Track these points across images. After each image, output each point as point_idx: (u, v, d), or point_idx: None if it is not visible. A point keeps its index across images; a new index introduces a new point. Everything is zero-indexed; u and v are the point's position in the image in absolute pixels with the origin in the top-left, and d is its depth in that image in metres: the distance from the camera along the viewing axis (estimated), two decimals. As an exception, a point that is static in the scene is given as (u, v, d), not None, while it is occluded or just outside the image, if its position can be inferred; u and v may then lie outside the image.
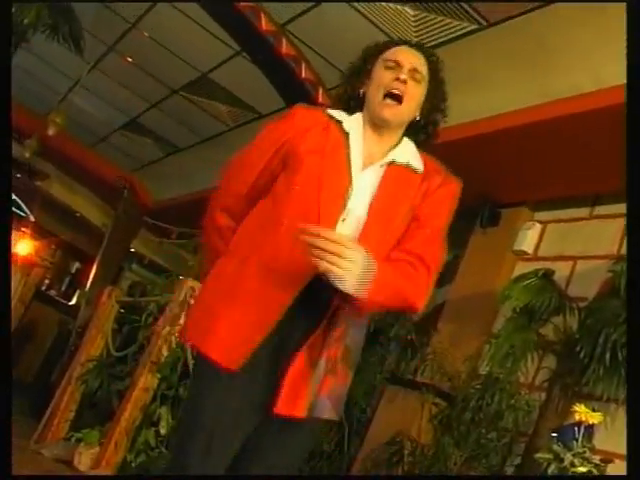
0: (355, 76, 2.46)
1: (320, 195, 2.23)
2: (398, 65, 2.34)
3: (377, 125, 2.36)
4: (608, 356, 3.94)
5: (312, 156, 2.28)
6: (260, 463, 2.22)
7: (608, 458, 3.56)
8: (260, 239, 2.23)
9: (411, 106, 2.36)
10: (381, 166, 2.31)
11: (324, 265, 1.97)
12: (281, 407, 2.09)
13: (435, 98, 2.42)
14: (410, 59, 2.37)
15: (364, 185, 2.29)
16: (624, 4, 3.26)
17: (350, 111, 2.40)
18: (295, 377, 2.11)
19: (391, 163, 2.31)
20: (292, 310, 2.14)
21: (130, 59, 7.48)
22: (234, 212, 2.38)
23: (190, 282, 4.81)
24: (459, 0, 4.57)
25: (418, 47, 2.46)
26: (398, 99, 2.30)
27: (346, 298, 2.08)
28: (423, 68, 2.38)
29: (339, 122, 2.35)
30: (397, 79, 2.31)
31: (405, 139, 2.40)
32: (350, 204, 2.24)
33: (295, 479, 1.93)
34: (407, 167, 2.33)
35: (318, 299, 2.15)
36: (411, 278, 2.20)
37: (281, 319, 2.13)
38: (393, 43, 2.47)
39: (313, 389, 2.14)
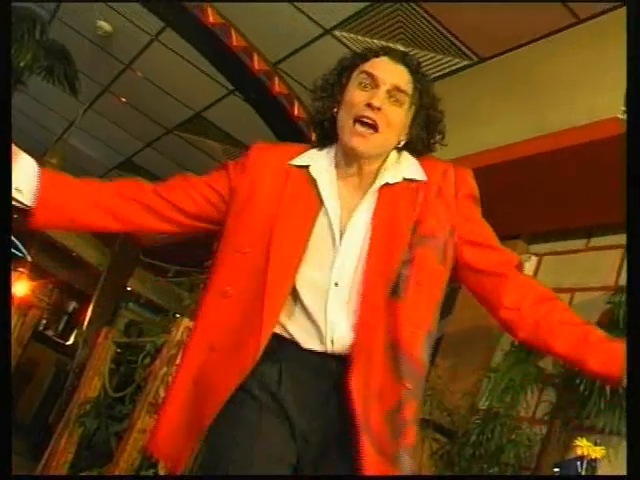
0: (327, 93, 2.04)
1: (295, 257, 1.89)
2: (375, 83, 1.93)
3: (351, 159, 1.96)
4: (608, 388, 3.92)
5: (265, 212, 1.94)
6: None
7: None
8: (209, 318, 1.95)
9: (389, 134, 1.94)
10: (372, 193, 1.95)
11: None
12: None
13: (425, 120, 2.02)
14: (390, 75, 1.94)
15: (361, 219, 1.93)
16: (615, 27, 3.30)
17: (327, 138, 2.04)
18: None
19: (383, 187, 1.95)
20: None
21: (124, 99, 7.53)
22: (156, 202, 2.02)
23: (186, 321, 4.79)
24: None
25: (402, 58, 2.01)
26: (372, 127, 1.90)
27: None
28: (408, 86, 1.96)
29: (303, 168, 1.99)
30: (369, 105, 1.90)
31: (400, 153, 2.02)
32: (338, 264, 1.89)
33: (296, 479, 1.88)
34: (403, 183, 1.97)
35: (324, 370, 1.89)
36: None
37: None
38: (372, 52, 2.02)
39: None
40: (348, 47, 5.16)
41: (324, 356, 1.87)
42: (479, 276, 2.01)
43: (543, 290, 2.06)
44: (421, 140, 2.02)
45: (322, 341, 1.87)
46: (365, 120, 1.89)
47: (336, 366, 1.86)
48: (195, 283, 6.77)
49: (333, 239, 1.90)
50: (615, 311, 4.14)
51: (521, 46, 4.48)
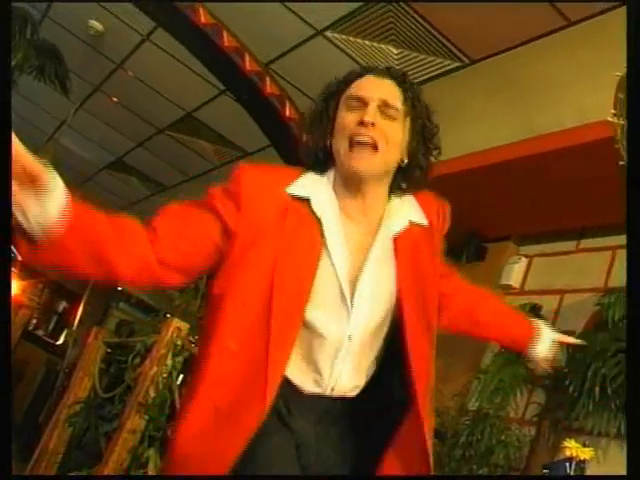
0: (317, 124, 1.93)
1: (299, 309, 1.78)
2: (363, 102, 1.84)
3: (353, 184, 1.86)
4: (597, 390, 3.93)
5: (266, 257, 1.78)
6: None
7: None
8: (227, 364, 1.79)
9: (390, 151, 1.85)
10: (383, 241, 1.88)
11: None
12: None
13: (420, 134, 1.92)
14: (377, 91, 1.86)
15: (375, 269, 1.86)
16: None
17: (320, 166, 1.91)
18: None
19: (392, 238, 1.89)
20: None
21: (116, 99, 7.51)
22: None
23: (176, 322, 4.79)
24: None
25: (387, 73, 1.94)
26: (370, 146, 1.81)
27: None
28: (397, 100, 1.87)
29: (304, 200, 1.84)
30: (361, 122, 1.81)
31: (396, 197, 1.95)
32: (354, 318, 1.83)
33: (297, 479, 1.87)
34: (410, 227, 1.92)
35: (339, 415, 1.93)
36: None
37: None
38: (355, 74, 1.94)
39: None
40: (340, 48, 5.16)
41: (326, 398, 1.88)
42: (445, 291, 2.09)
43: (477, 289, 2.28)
44: (421, 155, 1.92)
45: (321, 387, 1.87)
46: (361, 139, 1.81)
47: (340, 407, 1.91)
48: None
49: (341, 288, 1.82)
50: (604, 313, 4.16)
51: (511, 48, 4.49)
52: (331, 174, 1.90)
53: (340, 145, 1.84)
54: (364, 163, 1.80)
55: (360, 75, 1.93)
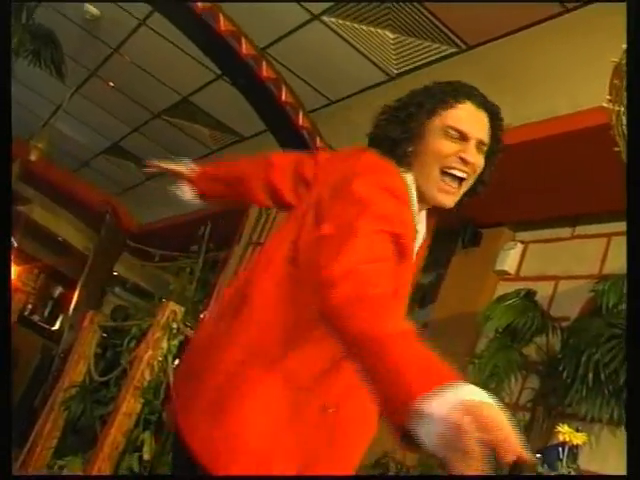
0: (403, 123, 1.95)
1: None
2: (463, 136, 1.90)
3: (428, 203, 1.95)
4: (591, 376, 3.94)
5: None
6: None
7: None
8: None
9: (470, 183, 1.95)
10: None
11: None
12: None
13: (494, 164, 2.03)
14: (477, 130, 1.92)
15: None
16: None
17: (397, 158, 1.92)
18: None
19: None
20: None
21: (112, 83, 7.50)
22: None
23: (172, 305, 4.80)
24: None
25: (484, 105, 1.97)
26: (460, 180, 1.90)
27: None
28: (488, 137, 1.96)
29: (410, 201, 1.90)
30: (461, 159, 1.88)
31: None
32: None
33: (303, 479, 1.89)
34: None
35: None
36: None
37: None
38: (452, 96, 1.94)
39: None
40: (336, 33, 5.15)
41: None
42: None
43: None
44: (487, 177, 2.02)
45: None
46: (456, 173, 1.89)
47: None
48: (181, 267, 6.78)
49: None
50: (598, 299, 4.17)
51: (508, 34, 4.49)
52: (411, 178, 1.92)
53: (432, 168, 1.89)
54: (452, 197, 1.91)
55: (457, 98, 1.94)
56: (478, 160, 1.91)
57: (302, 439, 1.79)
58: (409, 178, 1.90)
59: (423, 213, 1.98)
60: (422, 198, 1.92)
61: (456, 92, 1.95)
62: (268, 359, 1.78)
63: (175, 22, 5.44)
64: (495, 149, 1.99)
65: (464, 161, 1.87)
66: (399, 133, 1.93)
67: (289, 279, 1.82)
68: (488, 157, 1.96)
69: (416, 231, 1.91)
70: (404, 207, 1.82)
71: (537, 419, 4.39)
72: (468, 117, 1.92)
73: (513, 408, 4.71)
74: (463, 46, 4.79)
